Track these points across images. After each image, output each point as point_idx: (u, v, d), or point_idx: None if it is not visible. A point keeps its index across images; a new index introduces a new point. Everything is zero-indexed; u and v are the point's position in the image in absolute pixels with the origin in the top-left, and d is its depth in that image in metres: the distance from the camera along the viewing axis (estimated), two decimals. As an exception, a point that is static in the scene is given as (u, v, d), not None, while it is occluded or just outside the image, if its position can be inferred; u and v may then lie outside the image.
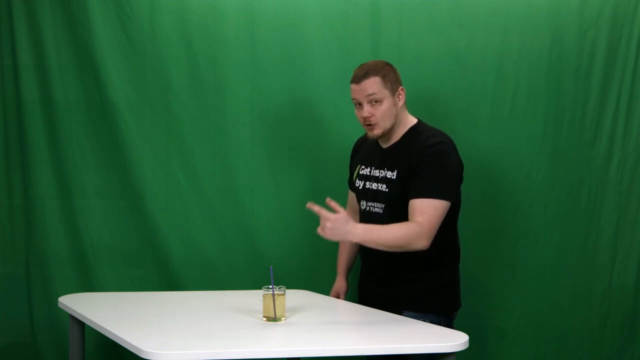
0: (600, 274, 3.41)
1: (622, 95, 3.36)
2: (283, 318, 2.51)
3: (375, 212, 2.76)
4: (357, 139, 3.23)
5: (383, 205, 2.73)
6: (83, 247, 3.42)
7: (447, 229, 2.71)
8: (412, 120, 2.78)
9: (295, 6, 3.35)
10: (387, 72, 2.71)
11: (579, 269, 3.41)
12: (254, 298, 2.70)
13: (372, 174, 2.80)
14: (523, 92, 3.37)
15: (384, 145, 2.79)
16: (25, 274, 3.44)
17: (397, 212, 2.66)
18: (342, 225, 2.47)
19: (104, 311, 2.64)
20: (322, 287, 3.20)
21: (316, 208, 2.48)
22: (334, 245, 3.33)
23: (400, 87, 2.73)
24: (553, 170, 3.39)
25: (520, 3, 3.34)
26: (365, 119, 2.71)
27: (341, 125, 3.40)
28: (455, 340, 2.31)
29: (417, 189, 2.60)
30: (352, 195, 3.00)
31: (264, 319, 2.51)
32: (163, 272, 3.42)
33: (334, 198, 3.36)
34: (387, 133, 2.74)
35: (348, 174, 3.14)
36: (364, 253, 2.87)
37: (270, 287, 2.50)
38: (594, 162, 3.39)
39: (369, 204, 2.79)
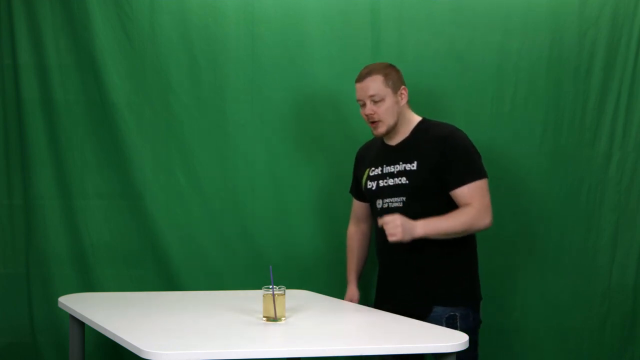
0: (600, 274, 3.41)
1: (622, 95, 3.36)
2: (283, 318, 2.51)
3: (395, 206, 2.78)
4: (356, 135, 3.25)
5: (403, 198, 2.77)
6: (83, 247, 3.42)
7: None
8: (417, 118, 2.87)
9: (295, 6, 3.36)
10: (389, 72, 2.81)
11: (579, 269, 3.41)
12: (254, 298, 2.70)
13: (385, 171, 2.84)
14: (523, 92, 3.38)
15: (393, 143, 2.85)
16: (25, 274, 3.44)
17: (419, 203, 2.73)
18: (405, 223, 2.61)
19: (104, 311, 2.64)
20: (322, 287, 3.20)
21: (381, 221, 2.64)
22: (334, 245, 3.33)
23: (403, 87, 2.82)
24: (553, 170, 3.39)
25: (520, 3, 3.34)
26: (368, 116, 2.80)
27: (341, 125, 3.40)
28: (455, 340, 2.31)
29: (456, 179, 2.70)
30: (357, 205, 3.07)
31: (264, 319, 2.51)
32: (163, 272, 3.42)
33: (333, 196, 3.39)
34: (392, 130, 2.82)
35: (348, 173, 3.15)
36: (382, 255, 2.88)
37: (270, 287, 2.50)
38: (593, 161, 3.39)
39: (386, 200, 2.82)
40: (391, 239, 2.62)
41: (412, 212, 2.69)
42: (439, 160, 2.72)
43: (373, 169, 2.89)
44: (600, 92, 3.37)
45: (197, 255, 3.43)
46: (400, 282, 2.81)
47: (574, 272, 3.41)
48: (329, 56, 3.37)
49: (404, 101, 2.82)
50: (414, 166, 2.76)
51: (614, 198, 3.39)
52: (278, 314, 2.49)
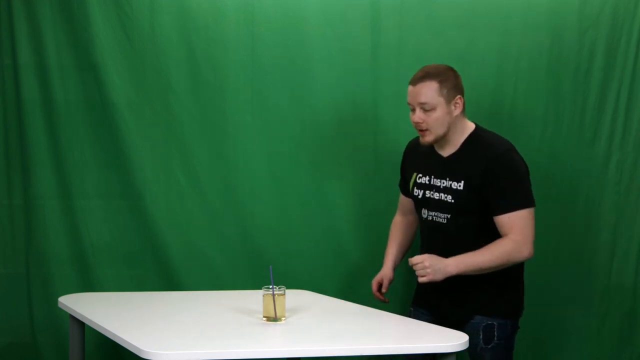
0: (599, 274, 3.41)
1: (622, 95, 3.36)
2: (283, 318, 2.52)
3: (439, 221, 2.71)
4: (360, 136, 3.24)
5: (448, 216, 2.68)
6: (83, 247, 3.42)
7: None
8: (470, 127, 2.72)
9: (295, 6, 3.35)
10: (446, 78, 2.64)
11: (578, 269, 3.41)
12: (254, 298, 2.70)
13: (432, 182, 2.74)
14: (523, 92, 3.38)
15: (443, 154, 2.72)
16: (25, 274, 3.44)
17: (461, 222, 2.66)
18: (436, 263, 2.55)
19: (104, 311, 2.64)
20: (322, 287, 3.20)
21: (410, 261, 2.59)
22: (334, 245, 3.34)
23: (459, 96, 2.66)
24: (552, 170, 3.39)
25: (520, 3, 3.34)
26: (416, 124, 2.67)
27: (341, 125, 3.40)
28: (455, 340, 2.31)
29: (501, 205, 2.59)
30: (404, 199, 2.97)
31: (264, 319, 2.51)
32: (163, 272, 3.42)
33: (333, 196, 3.39)
34: (440, 140, 2.68)
35: (348, 172, 3.15)
36: (427, 248, 2.78)
37: (270, 287, 2.50)
38: (593, 161, 3.39)
39: (432, 213, 2.74)
40: (421, 280, 2.56)
41: (456, 228, 2.65)
42: (484, 182, 2.60)
43: (421, 175, 2.78)
44: (600, 92, 3.37)
45: (197, 255, 3.43)
46: (441, 291, 2.71)
47: (573, 271, 3.41)
48: (329, 56, 3.37)
49: (457, 111, 2.65)
50: (460, 186, 2.65)
51: (613, 198, 3.39)
52: (278, 314, 2.50)
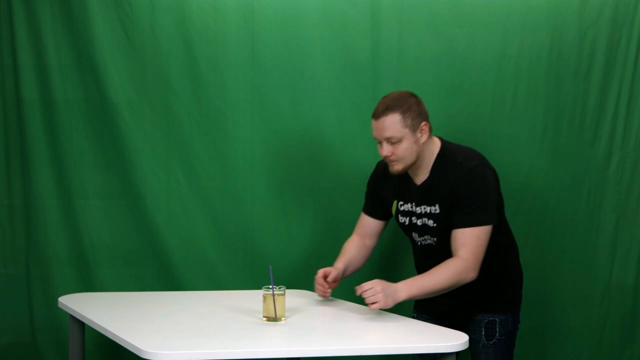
0: (600, 274, 3.41)
1: (622, 95, 3.36)
2: (283, 318, 2.51)
3: (429, 243, 2.72)
4: (360, 135, 3.24)
5: (435, 239, 2.69)
6: (83, 247, 3.42)
7: (501, 222, 2.72)
8: (437, 146, 2.68)
9: (295, 6, 3.35)
10: (408, 107, 2.59)
11: (579, 269, 3.41)
12: (254, 298, 2.70)
13: (414, 210, 2.71)
14: (523, 92, 3.37)
15: (417, 181, 2.69)
16: (25, 274, 3.44)
17: (450, 242, 2.63)
18: (386, 287, 2.50)
19: (104, 311, 2.64)
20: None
21: (359, 289, 2.52)
22: (334, 245, 3.33)
23: (424, 123, 2.61)
24: (553, 170, 3.39)
25: (520, 3, 3.34)
26: (385, 157, 2.64)
27: (341, 125, 3.40)
28: (455, 340, 2.31)
29: (459, 220, 2.57)
30: (367, 221, 2.89)
31: (264, 319, 2.51)
32: (163, 272, 3.42)
33: (333, 196, 3.39)
34: (410, 167, 2.65)
35: (348, 172, 3.16)
36: (421, 269, 2.77)
37: (270, 287, 2.50)
38: (593, 162, 3.39)
39: (421, 238, 2.73)
40: (373, 307, 2.48)
41: (448, 248, 2.62)
42: (452, 200, 2.59)
43: (402, 203, 2.75)
44: (600, 92, 3.36)
45: (197, 255, 3.43)
46: (440, 295, 2.67)
47: (574, 271, 3.41)
48: (329, 57, 3.37)
49: (424, 137, 2.61)
50: (436, 209, 2.64)
51: (614, 198, 3.39)
52: (278, 314, 2.49)
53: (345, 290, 3.15)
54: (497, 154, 3.37)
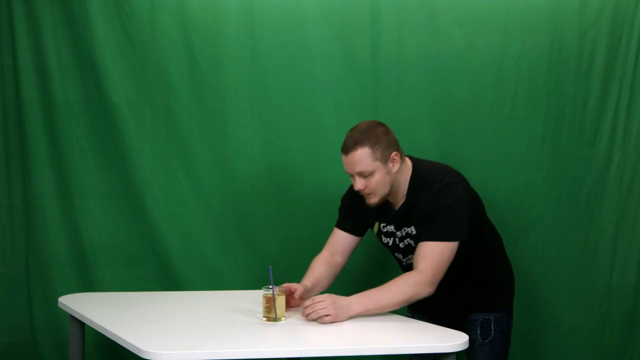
0: (600, 274, 3.40)
1: (622, 95, 3.36)
2: (283, 318, 2.51)
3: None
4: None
5: None
6: (83, 247, 3.42)
7: (483, 226, 2.72)
8: (410, 169, 2.64)
9: (296, 6, 3.35)
10: (377, 140, 2.54)
11: (579, 269, 3.41)
12: (254, 298, 2.70)
13: (396, 232, 2.70)
14: (523, 92, 3.37)
15: (395, 206, 2.67)
16: (25, 274, 3.44)
17: None
18: (338, 300, 2.46)
19: (104, 311, 2.64)
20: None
21: (307, 303, 2.45)
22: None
23: (394, 153, 2.57)
24: (553, 170, 3.39)
25: (520, 3, 3.34)
26: (359, 190, 2.60)
27: (341, 125, 3.39)
28: (455, 340, 2.31)
29: (425, 233, 2.54)
30: (341, 236, 2.80)
31: (264, 319, 2.51)
32: (163, 272, 3.42)
33: (333, 196, 3.37)
34: (386, 197, 2.63)
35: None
36: None
37: (270, 287, 2.50)
38: (594, 162, 3.39)
39: (405, 258, 2.72)
40: (324, 320, 2.42)
41: None
42: (424, 218, 2.56)
43: (384, 225, 2.72)
44: (600, 92, 3.36)
45: (197, 255, 3.43)
46: (436, 296, 2.63)
47: (574, 271, 3.40)
48: (329, 56, 3.37)
49: (396, 167, 2.58)
50: (413, 230, 2.62)
51: (614, 198, 3.39)
52: (278, 314, 2.49)
53: (345, 290, 3.14)
54: (497, 154, 3.38)
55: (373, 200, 2.61)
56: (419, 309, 2.82)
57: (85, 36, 3.34)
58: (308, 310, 2.45)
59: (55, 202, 3.42)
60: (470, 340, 2.66)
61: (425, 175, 2.62)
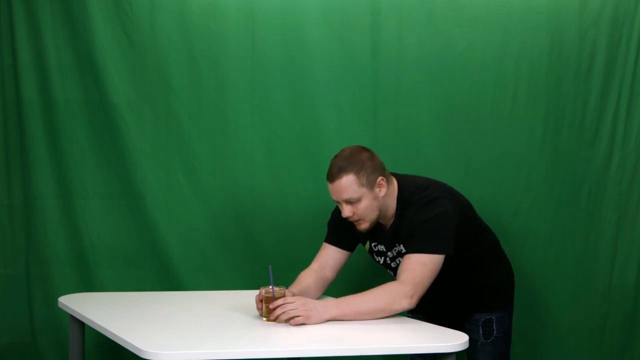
0: (600, 274, 3.40)
1: (622, 95, 3.36)
2: (283, 318, 2.51)
3: None
4: (356, 135, 3.24)
5: None
6: (83, 247, 3.42)
7: (477, 233, 2.72)
8: (395, 189, 2.62)
9: (296, 6, 3.35)
10: (362, 166, 2.53)
11: (579, 269, 3.40)
12: (254, 298, 2.70)
13: (387, 252, 2.70)
14: (523, 92, 3.37)
15: (385, 227, 2.67)
16: (25, 274, 3.44)
17: None
18: (310, 302, 2.43)
19: (104, 311, 2.64)
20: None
21: (284, 299, 2.42)
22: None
23: (380, 178, 2.56)
24: (553, 170, 3.39)
25: (520, 3, 3.34)
26: (347, 217, 2.58)
27: (341, 125, 3.40)
28: (455, 340, 2.31)
29: (409, 246, 2.53)
30: (331, 251, 2.77)
31: (264, 319, 2.51)
32: (163, 272, 3.42)
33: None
34: (376, 221, 2.61)
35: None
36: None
37: (270, 287, 2.49)
38: (594, 162, 3.39)
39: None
40: (297, 321, 2.39)
41: (432, 285, 2.57)
42: (410, 235, 2.55)
43: (376, 244, 2.72)
44: (600, 92, 3.36)
45: (197, 255, 3.43)
46: (435, 301, 2.66)
47: (574, 272, 3.40)
48: (329, 56, 3.37)
49: (383, 192, 2.56)
50: (403, 249, 2.60)
51: (614, 198, 3.39)
52: (278, 314, 2.49)
53: (346, 290, 3.14)
54: (497, 154, 3.38)
55: (363, 226, 2.60)
56: (419, 310, 2.82)
57: (85, 36, 3.34)
58: (279, 311, 2.42)
59: (55, 202, 3.41)
60: (472, 340, 2.66)
61: (412, 193, 2.60)
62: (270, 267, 2.55)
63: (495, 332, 2.72)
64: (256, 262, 3.39)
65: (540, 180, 3.39)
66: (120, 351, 3.11)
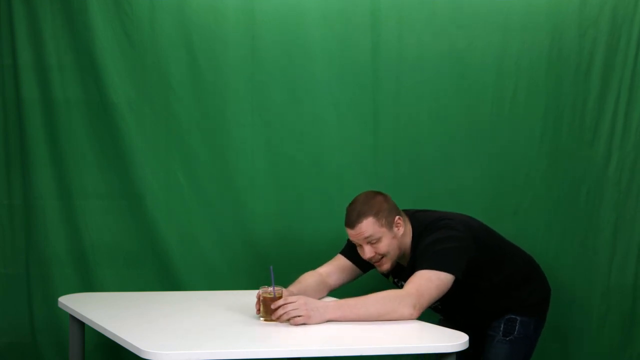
0: (599, 274, 3.41)
1: (622, 95, 3.36)
2: (283, 318, 2.51)
3: (435, 306, 2.68)
4: (356, 135, 3.24)
5: (437, 303, 2.62)
6: (83, 247, 3.42)
7: (502, 259, 2.72)
8: (409, 228, 2.65)
9: (295, 6, 3.35)
10: (379, 209, 2.58)
11: (578, 269, 3.41)
12: (254, 298, 2.70)
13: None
14: (523, 92, 3.38)
15: (404, 263, 2.69)
16: (25, 274, 3.44)
17: (451, 298, 2.56)
18: (312, 302, 2.42)
19: (104, 311, 2.64)
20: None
21: (286, 299, 2.40)
22: (335, 246, 3.32)
23: (397, 217, 2.61)
24: (552, 170, 3.39)
25: (520, 3, 3.34)
26: (369, 259, 2.62)
27: (341, 125, 3.40)
28: (455, 340, 2.31)
29: (417, 267, 2.52)
30: (341, 261, 2.79)
31: (262, 319, 2.51)
32: (163, 272, 3.42)
33: (333, 196, 3.38)
34: (396, 261, 2.64)
35: (349, 172, 3.15)
36: (448, 316, 2.80)
37: (271, 287, 2.49)
38: (593, 161, 3.39)
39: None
40: (297, 321, 2.37)
41: (449, 304, 2.63)
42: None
43: (397, 280, 2.75)
44: (600, 92, 3.36)
45: (197, 255, 3.43)
46: (461, 310, 2.70)
47: (573, 271, 3.41)
48: (329, 56, 3.37)
49: (401, 231, 2.61)
50: None
51: (613, 198, 3.39)
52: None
53: (346, 290, 3.15)
54: (496, 153, 3.38)
55: (385, 266, 2.63)
56: (445, 322, 2.81)
57: (85, 36, 3.34)
58: (280, 311, 2.41)
59: (55, 202, 3.41)
60: (489, 336, 2.66)
61: (425, 227, 2.62)
62: (271, 267, 2.55)
63: (516, 332, 2.69)
64: (256, 262, 3.40)
65: (539, 179, 3.39)
66: (120, 351, 3.11)
